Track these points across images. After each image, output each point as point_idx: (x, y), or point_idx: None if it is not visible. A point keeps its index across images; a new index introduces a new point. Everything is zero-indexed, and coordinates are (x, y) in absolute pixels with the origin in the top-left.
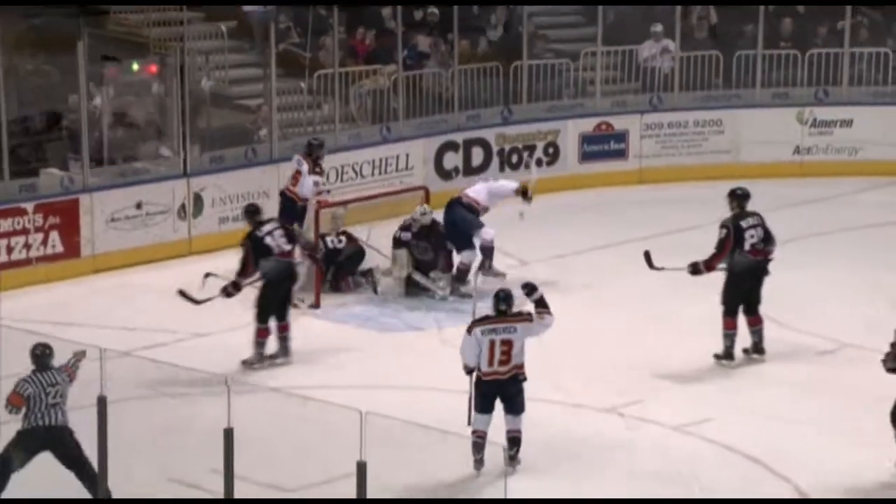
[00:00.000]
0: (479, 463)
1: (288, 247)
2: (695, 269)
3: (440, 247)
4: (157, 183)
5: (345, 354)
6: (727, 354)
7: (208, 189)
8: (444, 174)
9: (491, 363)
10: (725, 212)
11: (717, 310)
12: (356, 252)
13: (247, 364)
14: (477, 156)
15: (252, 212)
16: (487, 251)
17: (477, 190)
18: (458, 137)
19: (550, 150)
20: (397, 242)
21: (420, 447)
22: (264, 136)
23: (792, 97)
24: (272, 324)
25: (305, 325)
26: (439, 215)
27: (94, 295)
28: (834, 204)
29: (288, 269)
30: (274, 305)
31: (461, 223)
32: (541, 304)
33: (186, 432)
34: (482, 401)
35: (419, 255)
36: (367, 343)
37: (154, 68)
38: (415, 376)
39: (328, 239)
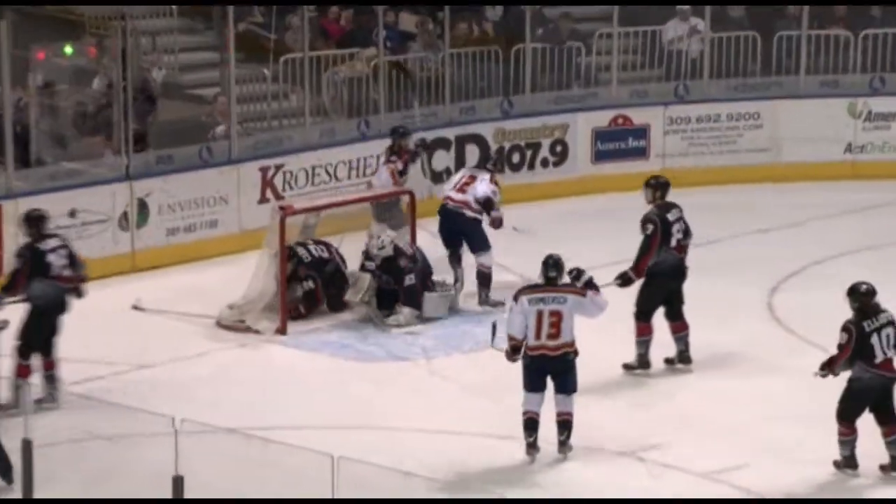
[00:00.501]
0: (531, 448)
1: (67, 271)
2: (624, 279)
3: (401, 280)
4: (95, 187)
5: (315, 388)
6: (642, 363)
7: (155, 194)
8: (434, 176)
9: (538, 336)
10: (767, 220)
11: (753, 340)
12: (339, 268)
13: (2, 409)
14: (472, 155)
15: (35, 219)
16: (485, 279)
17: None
18: (450, 133)
19: (558, 149)
20: (363, 267)
21: (401, 496)
22: (222, 132)
23: (842, 86)
24: (36, 360)
25: (269, 354)
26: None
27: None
28: (891, 211)
29: (60, 297)
30: (39, 338)
31: (470, 231)
32: (591, 287)
33: (126, 479)
34: (530, 378)
35: (384, 285)
36: (342, 375)
37: (92, 51)
38: (397, 414)
39: (310, 248)
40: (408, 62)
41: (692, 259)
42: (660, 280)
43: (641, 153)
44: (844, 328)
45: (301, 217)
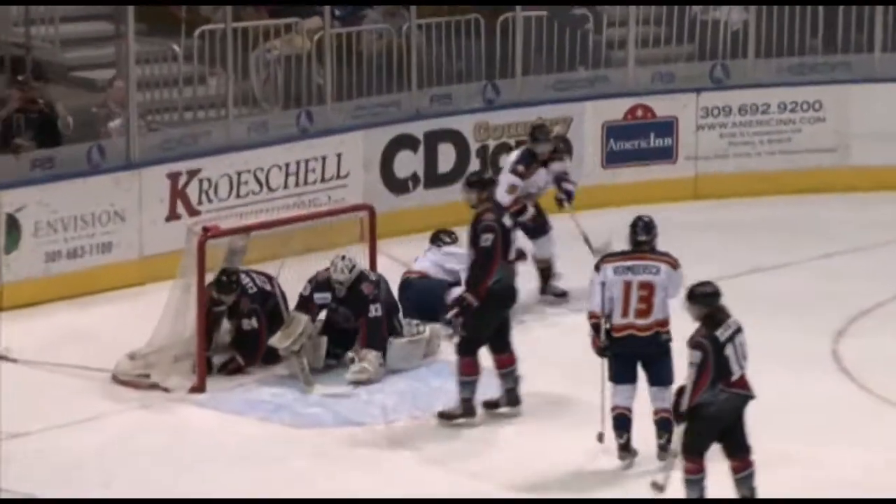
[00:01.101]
0: (624, 451)
1: None
2: (460, 304)
3: (362, 313)
4: None
5: (241, 462)
6: (467, 410)
7: (29, 209)
8: (397, 185)
9: (625, 313)
10: (831, 242)
11: (812, 399)
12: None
13: None
14: (446, 157)
15: None
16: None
17: (423, 264)
18: (418, 129)
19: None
20: (304, 302)
21: None
22: (118, 126)
23: None
24: None
25: (181, 417)
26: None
27: None
28: None
29: None
30: None
31: (432, 290)
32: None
33: None
34: (617, 366)
35: (341, 322)
36: (276, 445)
37: None
38: (346, 494)
39: (253, 276)
40: (362, 36)
41: (734, 293)
42: (491, 305)
43: (667, 155)
44: (695, 345)
45: (225, 240)
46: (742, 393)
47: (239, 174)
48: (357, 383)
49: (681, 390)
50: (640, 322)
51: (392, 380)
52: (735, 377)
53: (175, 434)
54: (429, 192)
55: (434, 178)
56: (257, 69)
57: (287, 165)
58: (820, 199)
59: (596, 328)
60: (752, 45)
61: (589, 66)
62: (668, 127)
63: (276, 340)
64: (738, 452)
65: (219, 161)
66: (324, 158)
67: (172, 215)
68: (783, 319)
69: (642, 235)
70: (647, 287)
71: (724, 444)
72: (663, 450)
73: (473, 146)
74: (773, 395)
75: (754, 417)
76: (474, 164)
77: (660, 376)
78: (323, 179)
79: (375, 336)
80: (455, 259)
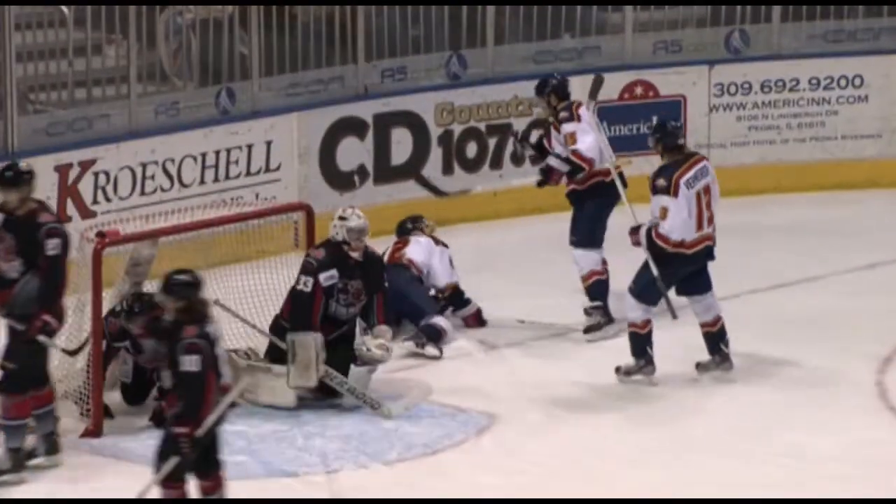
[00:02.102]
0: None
1: None
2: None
3: (379, 284)
4: None
5: None
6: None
7: None
8: (340, 179)
9: (700, 225)
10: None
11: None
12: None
13: None
14: (401, 144)
15: None
16: (434, 334)
17: (415, 250)
18: (366, 110)
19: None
20: (306, 300)
21: None
22: None
23: None
24: None
25: (72, 466)
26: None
27: None
28: None
29: None
30: None
31: (410, 293)
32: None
33: None
34: (670, 282)
35: (344, 304)
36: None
37: None
38: None
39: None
40: None
41: (755, 311)
42: None
43: None
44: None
45: (128, 248)
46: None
47: (144, 166)
48: (372, 362)
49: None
50: (710, 230)
51: (335, 419)
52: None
53: (63, 486)
54: (379, 189)
55: (386, 172)
56: (166, 36)
57: (204, 156)
58: (861, 196)
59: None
60: (777, 8)
61: (576, 33)
62: (674, 108)
63: (296, 379)
64: None
65: (119, 150)
66: (249, 147)
67: (61, 218)
68: (816, 345)
69: (682, 138)
70: (708, 192)
71: None
72: (725, 359)
73: (434, 132)
74: (806, 440)
75: (785, 467)
76: (436, 155)
77: (703, 283)
78: (248, 173)
79: (391, 311)
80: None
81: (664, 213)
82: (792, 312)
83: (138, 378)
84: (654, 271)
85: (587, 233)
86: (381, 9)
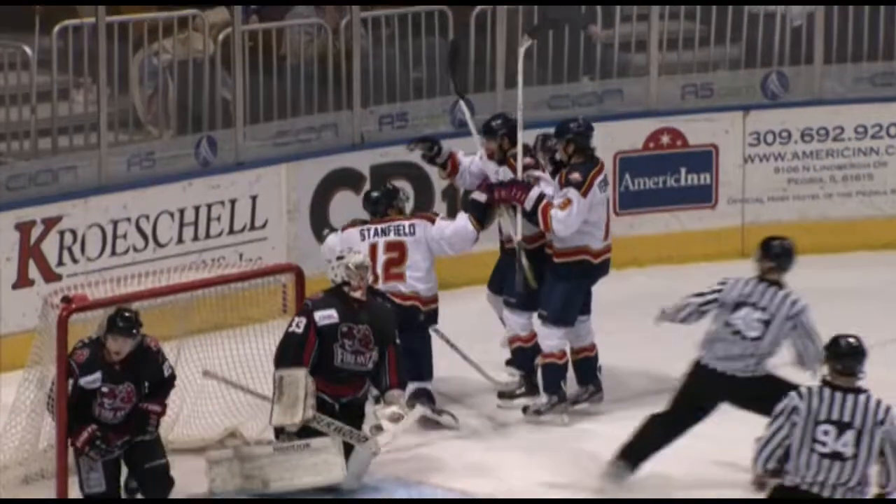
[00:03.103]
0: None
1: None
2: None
3: (390, 337)
4: None
5: None
6: None
7: None
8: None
9: (607, 235)
10: None
11: None
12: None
13: None
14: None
15: None
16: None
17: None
18: (363, 161)
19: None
20: (298, 342)
21: None
22: None
23: None
24: None
25: None
26: None
27: None
28: None
29: None
30: None
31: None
32: None
33: None
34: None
35: (351, 351)
36: None
37: None
38: None
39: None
40: (286, 35)
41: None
42: None
43: (703, 197)
44: None
45: (97, 315)
46: None
47: (115, 224)
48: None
49: None
50: (610, 241)
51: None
52: None
53: None
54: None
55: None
56: (140, 80)
57: (182, 212)
58: None
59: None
60: (819, 47)
61: (596, 76)
62: (704, 158)
63: (280, 417)
64: None
65: (87, 206)
66: (233, 202)
67: (22, 281)
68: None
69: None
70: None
71: None
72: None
73: (438, 185)
74: None
75: None
76: (440, 210)
77: (590, 301)
78: (232, 231)
79: (404, 370)
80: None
81: (566, 203)
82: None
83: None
84: (525, 262)
85: (560, 310)
86: (379, 49)
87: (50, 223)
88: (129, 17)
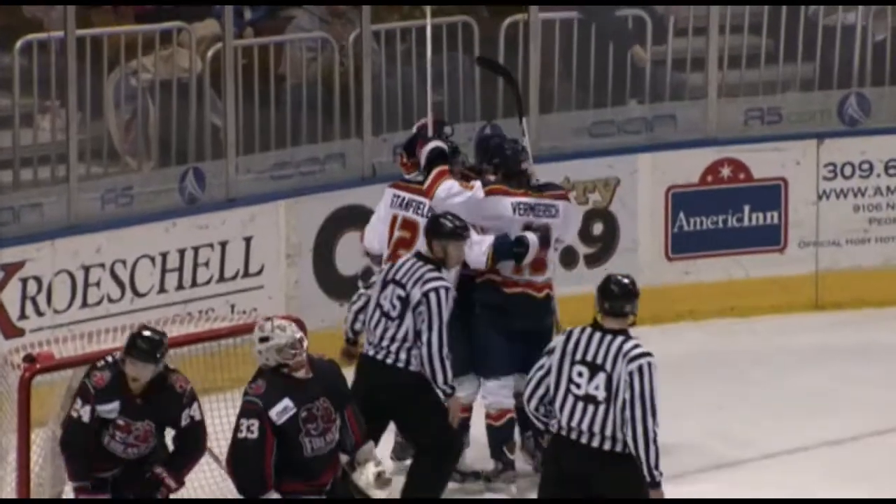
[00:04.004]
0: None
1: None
2: None
3: (345, 400)
4: None
5: None
6: None
7: None
8: (341, 286)
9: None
10: None
11: None
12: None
13: None
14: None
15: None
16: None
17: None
18: (373, 197)
19: (596, 229)
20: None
21: None
22: None
23: None
24: None
25: None
26: None
27: None
28: None
29: None
30: None
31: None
32: None
33: None
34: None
35: (319, 434)
36: None
37: None
38: None
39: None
40: (286, 51)
41: (884, 455)
42: None
43: (770, 239)
44: None
45: (65, 376)
46: None
47: (86, 270)
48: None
49: None
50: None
51: None
52: None
53: None
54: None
55: None
56: (116, 103)
57: (164, 256)
58: None
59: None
60: None
61: (646, 99)
62: (772, 194)
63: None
64: None
65: (55, 249)
66: (223, 245)
67: None
68: None
69: (525, 162)
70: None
71: None
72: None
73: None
74: None
75: None
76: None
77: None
78: (222, 278)
79: (363, 422)
80: None
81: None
82: None
83: None
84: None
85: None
86: (394, 67)
87: (11, 269)
88: (103, 30)
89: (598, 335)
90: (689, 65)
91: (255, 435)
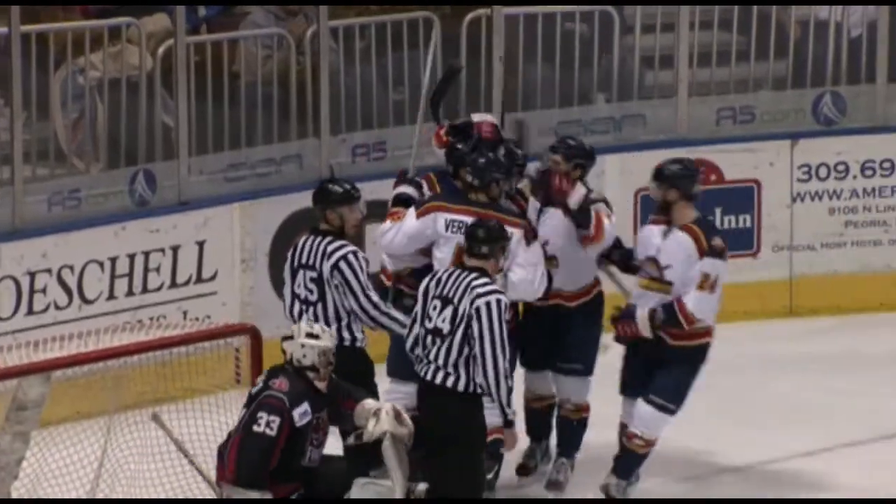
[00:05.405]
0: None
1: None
2: None
3: (349, 396)
4: None
5: None
6: None
7: None
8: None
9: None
10: None
11: None
12: None
13: None
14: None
15: None
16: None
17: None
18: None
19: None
20: (267, 446)
21: None
22: None
23: None
24: None
25: None
26: None
27: None
28: None
29: None
30: None
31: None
32: None
33: None
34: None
35: (318, 445)
36: None
37: None
38: None
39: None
40: (240, 49)
41: (860, 464)
42: None
43: (744, 242)
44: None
45: (9, 386)
46: None
47: (32, 276)
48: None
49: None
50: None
51: None
52: None
53: None
54: None
55: None
56: (63, 102)
57: (114, 261)
58: None
59: None
60: (882, 62)
61: (613, 97)
62: (744, 197)
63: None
64: None
65: (0, 254)
66: (175, 249)
67: None
68: None
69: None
70: None
71: None
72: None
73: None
74: None
75: None
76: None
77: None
78: (174, 284)
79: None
80: None
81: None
82: None
83: None
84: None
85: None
86: (352, 65)
87: None
88: (48, 25)
89: (456, 272)
90: (658, 62)
91: (273, 433)
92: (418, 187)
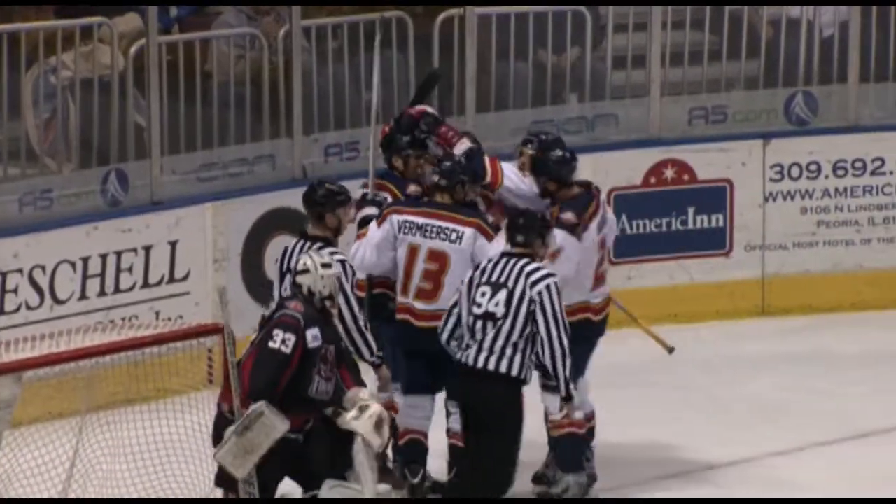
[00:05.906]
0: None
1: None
2: None
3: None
4: None
5: None
6: None
7: None
8: (271, 293)
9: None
10: None
11: None
12: None
13: None
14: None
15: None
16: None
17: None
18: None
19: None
20: (274, 371)
21: None
22: None
23: None
24: None
25: None
26: None
27: None
28: None
29: None
30: None
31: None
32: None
33: None
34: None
35: (326, 377)
36: None
37: None
38: None
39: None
40: (212, 48)
41: (833, 465)
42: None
43: (716, 242)
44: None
45: None
46: None
47: (3, 276)
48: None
49: None
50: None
51: None
52: None
53: None
54: None
55: None
56: (35, 101)
57: (86, 261)
58: None
59: None
60: (854, 63)
61: (586, 97)
62: (717, 196)
63: (227, 456)
64: None
65: None
66: (147, 249)
67: None
68: None
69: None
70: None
71: None
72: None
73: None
74: None
75: None
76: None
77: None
78: (146, 284)
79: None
80: None
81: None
82: (879, 471)
83: None
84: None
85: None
86: (325, 65)
87: None
88: (20, 25)
89: (503, 259)
90: (630, 62)
91: (288, 350)
92: (380, 206)
